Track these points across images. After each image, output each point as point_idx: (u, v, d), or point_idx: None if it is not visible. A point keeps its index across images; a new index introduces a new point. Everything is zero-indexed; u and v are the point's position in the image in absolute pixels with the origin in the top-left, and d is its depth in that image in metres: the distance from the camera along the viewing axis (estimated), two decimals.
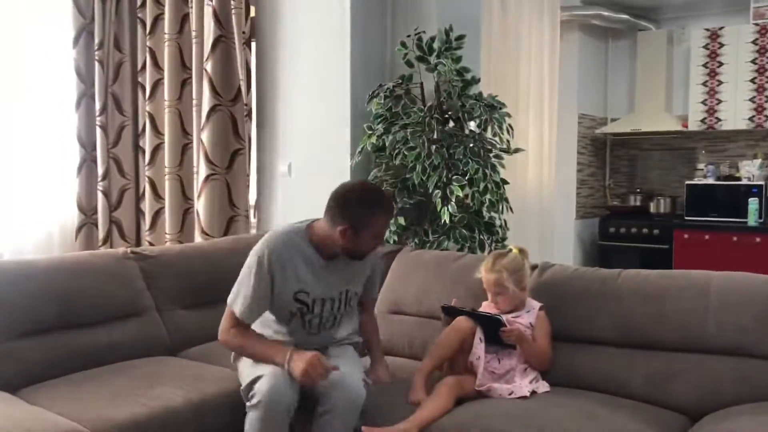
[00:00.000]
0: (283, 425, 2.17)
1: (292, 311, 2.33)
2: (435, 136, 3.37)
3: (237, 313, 2.30)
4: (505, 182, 3.49)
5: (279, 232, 2.35)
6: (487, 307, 2.50)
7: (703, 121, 5.54)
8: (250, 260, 2.32)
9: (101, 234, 4.10)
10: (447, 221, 3.33)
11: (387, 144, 3.42)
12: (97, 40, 4.05)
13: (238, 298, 2.31)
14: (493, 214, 3.54)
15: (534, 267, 2.71)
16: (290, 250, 2.29)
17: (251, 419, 2.17)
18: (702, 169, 5.69)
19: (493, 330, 2.32)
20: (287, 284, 2.29)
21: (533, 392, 2.27)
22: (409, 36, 3.50)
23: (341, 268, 2.36)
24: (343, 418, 2.17)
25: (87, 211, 4.11)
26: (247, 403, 2.19)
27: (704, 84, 5.52)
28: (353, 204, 2.25)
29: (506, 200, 3.51)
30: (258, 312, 2.33)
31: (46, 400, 2.23)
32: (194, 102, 3.92)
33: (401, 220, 3.43)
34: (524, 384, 2.29)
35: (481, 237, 3.46)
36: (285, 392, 2.15)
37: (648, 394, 2.28)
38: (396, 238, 3.47)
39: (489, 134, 3.49)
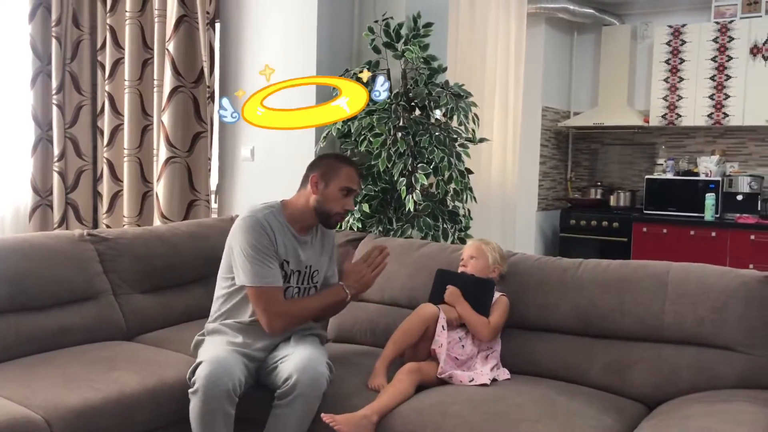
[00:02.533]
0: (224, 410, 2.12)
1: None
2: (401, 124, 3.35)
3: (266, 283, 2.28)
4: (469, 172, 3.49)
5: (258, 207, 2.40)
6: None
7: (663, 116, 5.63)
8: (243, 238, 2.30)
9: (56, 216, 3.99)
10: (411, 209, 3.32)
11: (352, 130, 3.39)
12: (54, 16, 3.93)
13: (258, 274, 2.27)
14: (457, 203, 3.54)
15: None
16: (273, 220, 2.36)
17: (192, 407, 2.14)
18: (661, 164, 5.79)
19: (477, 294, 2.39)
20: (279, 252, 2.34)
21: (494, 380, 2.29)
22: (376, 21, 3.47)
23: (310, 245, 2.45)
24: (305, 400, 2.14)
25: (42, 192, 3.99)
26: (189, 390, 2.16)
27: (666, 80, 5.61)
28: (325, 157, 2.51)
29: (470, 190, 3.51)
30: (279, 273, 2.33)
31: None
32: (155, 83, 3.83)
33: (365, 207, 3.41)
34: (485, 371, 2.30)
35: (445, 226, 3.46)
36: (224, 377, 2.11)
37: (607, 383, 2.31)
38: (360, 225, 3.45)
39: (455, 123, 3.49)
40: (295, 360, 2.20)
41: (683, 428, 1.80)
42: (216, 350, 2.22)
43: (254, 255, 2.28)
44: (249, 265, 2.27)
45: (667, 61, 5.60)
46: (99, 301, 2.75)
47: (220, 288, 2.45)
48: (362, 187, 3.40)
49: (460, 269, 2.51)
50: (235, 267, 2.33)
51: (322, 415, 2.09)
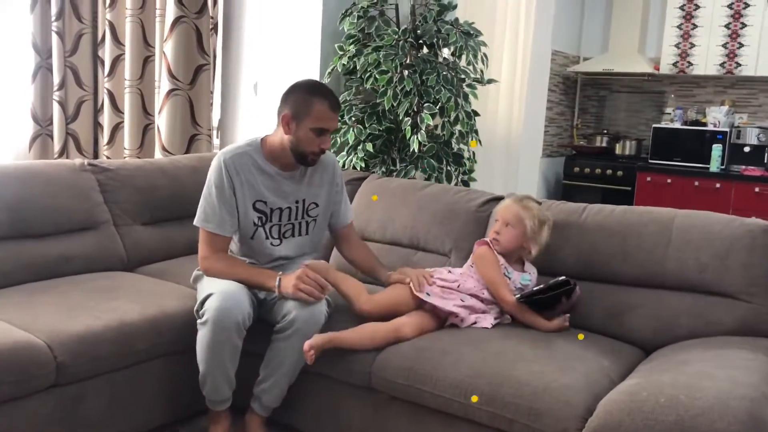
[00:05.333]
0: (233, 342, 2.15)
1: (255, 222, 2.35)
2: (408, 61, 3.28)
3: (210, 229, 2.29)
4: (476, 114, 3.44)
5: (232, 147, 2.37)
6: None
7: (674, 64, 5.52)
8: (209, 176, 2.32)
9: (57, 146, 3.94)
10: (416, 150, 3.28)
11: (358, 66, 3.33)
12: None
13: (206, 216, 2.31)
14: (462, 145, 3.50)
15: (501, 198, 2.69)
16: (244, 161, 2.32)
17: (200, 337, 2.16)
18: (669, 114, 5.70)
19: (552, 300, 2.25)
20: (246, 194, 2.31)
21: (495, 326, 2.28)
22: None
23: (297, 179, 2.40)
24: (303, 335, 2.16)
25: (42, 121, 3.93)
26: (198, 321, 2.17)
27: (679, 27, 5.48)
28: (295, 89, 2.30)
29: (476, 132, 3.46)
30: (230, 223, 2.31)
31: None
32: (158, 12, 3.73)
33: (369, 147, 3.36)
34: (489, 317, 2.30)
35: (449, 168, 3.43)
36: (234, 309, 2.12)
37: (605, 327, 2.32)
38: (363, 165, 3.42)
39: (463, 63, 3.42)
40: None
41: (680, 372, 1.81)
42: (224, 283, 2.22)
43: (207, 195, 2.31)
44: (200, 205, 2.33)
45: (681, 7, 5.45)
46: (100, 231, 2.74)
47: None
48: (366, 126, 3.35)
49: (491, 234, 2.39)
50: None
51: (306, 344, 2.10)
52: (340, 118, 3.38)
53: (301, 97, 2.27)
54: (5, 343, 1.91)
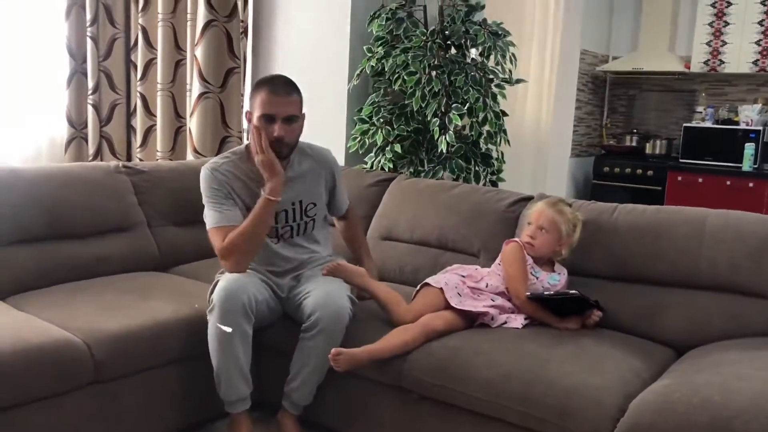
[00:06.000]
0: (241, 328, 2.15)
1: None
2: (436, 62, 3.29)
3: (216, 224, 2.30)
4: (504, 114, 3.43)
5: (215, 157, 2.41)
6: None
7: (705, 62, 5.45)
8: (202, 188, 2.35)
9: (91, 149, 4.02)
10: (444, 151, 3.29)
11: (386, 68, 3.34)
12: None
13: (211, 216, 2.32)
14: (490, 145, 3.50)
15: (529, 198, 2.69)
16: (228, 170, 2.34)
17: (210, 327, 2.19)
18: (701, 112, 5.63)
19: (559, 305, 2.26)
20: (238, 201, 2.33)
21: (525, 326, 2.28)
22: None
23: (292, 180, 2.38)
24: (328, 334, 2.18)
25: (77, 124, 4.01)
26: (207, 311, 2.21)
27: (710, 24, 5.41)
28: (251, 88, 2.35)
29: (504, 132, 3.46)
30: (235, 213, 2.31)
31: (35, 308, 2.22)
32: (189, 16, 3.79)
33: (397, 148, 3.38)
34: (520, 317, 2.30)
35: (477, 168, 3.43)
36: (239, 291, 2.15)
37: (636, 327, 2.30)
38: (391, 165, 3.43)
39: (491, 63, 3.42)
40: (317, 296, 2.23)
41: (714, 373, 1.79)
42: (232, 275, 2.25)
43: (206, 202, 2.33)
44: (204, 214, 2.34)
45: (712, 5, 5.38)
46: (134, 232, 2.80)
47: None
48: (394, 127, 3.35)
49: (525, 238, 2.38)
50: None
51: (333, 350, 2.11)
52: (368, 120, 3.40)
53: (251, 93, 2.32)
54: (46, 342, 1.96)
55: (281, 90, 2.27)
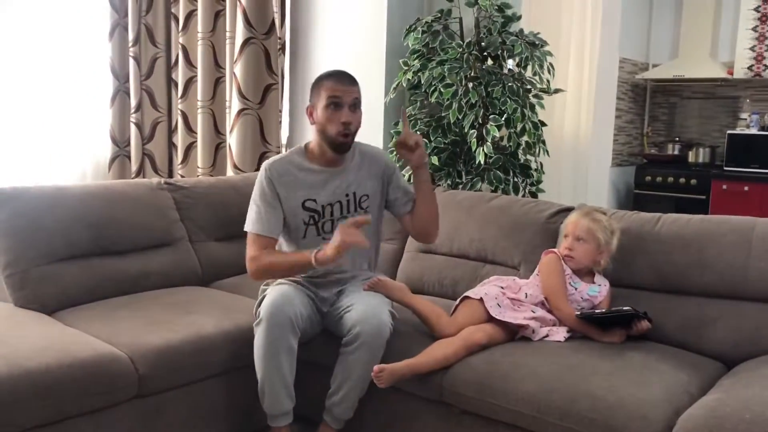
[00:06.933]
0: (288, 342, 2.17)
1: (305, 221, 2.38)
2: (473, 74, 3.28)
3: (254, 230, 2.34)
4: (543, 124, 3.40)
5: (276, 156, 2.46)
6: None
7: (749, 68, 5.32)
8: (255, 185, 2.40)
9: (134, 166, 4.11)
10: (482, 162, 3.27)
11: (423, 81, 3.35)
12: None
13: (251, 220, 2.37)
14: (529, 156, 3.47)
15: (570, 209, 2.66)
16: (287, 166, 2.39)
17: (256, 339, 2.21)
18: (745, 119, 5.49)
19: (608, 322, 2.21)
20: (293, 196, 2.36)
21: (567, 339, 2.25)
22: None
23: (344, 173, 2.42)
24: (369, 348, 2.17)
25: (120, 143, 4.12)
26: (254, 323, 2.23)
27: (754, 29, 5.29)
28: (312, 84, 2.39)
29: (543, 143, 3.43)
30: (275, 224, 2.35)
31: (81, 323, 2.27)
32: (228, 34, 3.86)
33: (434, 160, 3.38)
34: (562, 330, 2.27)
35: (516, 180, 3.40)
36: (286, 305, 2.17)
37: (682, 340, 2.25)
38: None
39: (529, 73, 3.40)
40: (358, 310, 2.23)
41: (764, 387, 1.74)
42: (280, 287, 2.29)
43: (253, 202, 2.38)
44: (248, 212, 2.39)
45: (756, 9, 5.27)
46: (176, 248, 2.84)
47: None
48: (431, 140, 3.36)
49: (564, 251, 2.35)
50: None
51: (375, 367, 2.11)
52: None
53: (313, 88, 2.37)
54: (91, 356, 2.00)
55: (345, 79, 2.35)
